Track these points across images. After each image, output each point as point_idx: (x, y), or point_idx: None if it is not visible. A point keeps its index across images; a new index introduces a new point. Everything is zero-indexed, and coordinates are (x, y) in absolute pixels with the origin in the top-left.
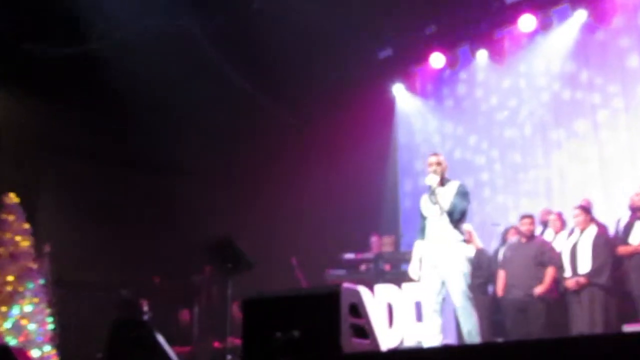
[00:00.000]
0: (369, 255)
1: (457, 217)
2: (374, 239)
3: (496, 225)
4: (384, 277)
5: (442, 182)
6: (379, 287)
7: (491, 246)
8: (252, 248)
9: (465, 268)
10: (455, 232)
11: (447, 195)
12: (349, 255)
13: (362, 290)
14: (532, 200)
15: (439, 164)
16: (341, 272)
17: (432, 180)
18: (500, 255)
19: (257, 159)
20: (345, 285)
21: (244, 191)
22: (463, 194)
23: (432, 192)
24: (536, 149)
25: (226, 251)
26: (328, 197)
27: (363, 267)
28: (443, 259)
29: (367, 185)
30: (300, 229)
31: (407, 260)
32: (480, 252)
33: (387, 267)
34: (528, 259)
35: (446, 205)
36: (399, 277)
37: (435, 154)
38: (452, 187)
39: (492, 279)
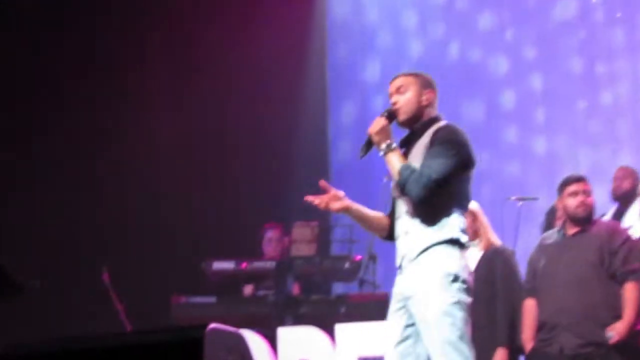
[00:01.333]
0: (262, 264)
1: (429, 195)
2: (271, 234)
3: (527, 200)
4: (294, 311)
5: (411, 127)
6: (284, 333)
7: (518, 245)
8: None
9: (450, 295)
10: (430, 226)
11: (415, 155)
12: (222, 265)
13: (251, 338)
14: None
15: (399, 89)
16: (206, 299)
17: (377, 126)
18: (540, 265)
19: None
20: (215, 327)
21: None
22: (445, 144)
23: (384, 150)
24: None
25: None
26: (177, 148)
27: (248, 289)
28: (409, 282)
29: (259, 123)
30: (122, 213)
31: (344, 275)
32: (494, 256)
33: (296, 290)
34: (585, 268)
35: (405, 175)
36: (327, 311)
37: (403, 75)
38: (426, 137)
39: (517, 310)
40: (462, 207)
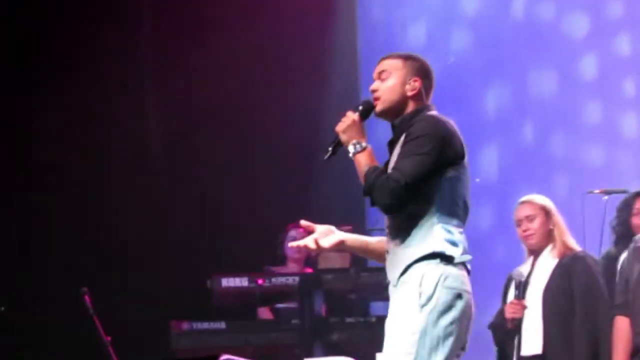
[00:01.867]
0: (283, 280)
1: (397, 204)
2: (295, 234)
3: (614, 193)
4: (324, 338)
5: (392, 122)
6: None
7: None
8: None
9: (416, 323)
10: (409, 242)
11: (394, 157)
12: (233, 282)
13: None
14: None
15: (381, 75)
16: (214, 324)
17: (345, 122)
18: (635, 274)
19: None
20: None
21: None
22: (419, 139)
23: (352, 151)
24: None
25: None
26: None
27: (266, 311)
28: (390, 315)
29: (283, 117)
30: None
31: (385, 292)
32: (572, 263)
33: (326, 311)
34: None
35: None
36: (365, 337)
37: (389, 57)
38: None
39: (602, 331)
40: (452, 213)
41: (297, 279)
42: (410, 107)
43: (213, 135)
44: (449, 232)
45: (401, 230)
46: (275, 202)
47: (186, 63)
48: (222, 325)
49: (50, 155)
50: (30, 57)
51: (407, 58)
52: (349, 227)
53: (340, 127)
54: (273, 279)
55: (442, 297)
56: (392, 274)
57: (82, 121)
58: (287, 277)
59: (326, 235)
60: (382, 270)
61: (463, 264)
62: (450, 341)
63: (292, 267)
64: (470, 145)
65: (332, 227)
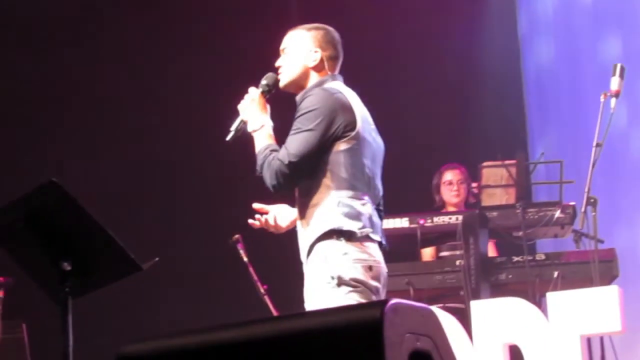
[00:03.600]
0: (446, 219)
1: (284, 182)
2: (450, 176)
3: None
4: (491, 279)
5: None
6: (480, 307)
7: None
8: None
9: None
10: (310, 220)
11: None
12: (394, 224)
13: (443, 317)
14: None
15: (284, 50)
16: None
17: (246, 100)
18: None
19: None
20: (397, 303)
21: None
22: (305, 115)
23: (252, 129)
24: None
25: (59, 228)
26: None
27: (427, 253)
28: (305, 292)
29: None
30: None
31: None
32: None
33: (492, 251)
34: None
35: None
36: (534, 276)
37: (291, 31)
38: None
39: None
40: (351, 186)
41: (460, 217)
42: (313, 79)
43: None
44: (348, 205)
45: (302, 208)
46: (431, 145)
47: None
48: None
49: None
50: None
51: (308, 29)
52: (514, 162)
53: (241, 104)
54: (435, 219)
55: (354, 272)
56: (301, 252)
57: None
58: (449, 216)
59: (282, 214)
60: (550, 206)
61: (368, 236)
62: None
63: (451, 211)
64: None
65: (285, 206)
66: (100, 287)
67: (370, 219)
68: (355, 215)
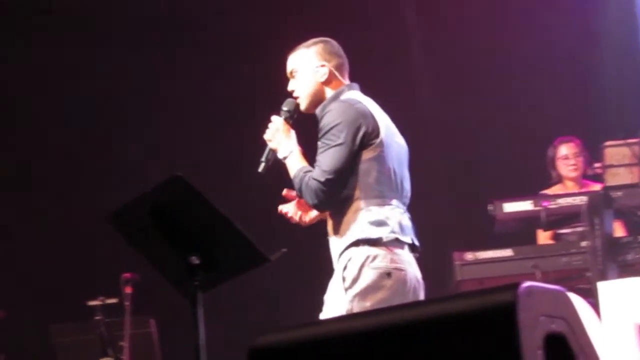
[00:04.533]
0: (570, 200)
1: (325, 199)
2: (566, 150)
3: None
4: (619, 259)
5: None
6: (608, 288)
7: None
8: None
9: (338, 308)
10: (339, 229)
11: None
12: (517, 206)
13: (574, 299)
14: None
15: (292, 74)
16: (500, 252)
17: (271, 129)
18: None
19: None
20: (530, 287)
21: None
22: (329, 133)
23: (283, 157)
24: None
25: (185, 222)
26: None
27: (546, 235)
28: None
29: None
30: None
31: None
32: None
33: (618, 231)
34: None
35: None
36: None
37: (291, 54)
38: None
39: None
40: (378, 193)
41: (584, 198)
42: (329, 92)
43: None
44: (375, 213)
45: (332, 219)
46: (546, 116)
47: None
48: (508, 252)
49: None
50: None
51: (308, 46)
52: (637, 140)
53: (267, 134)
54: (559, 200)
55: (368, 278)
56: (333, 262)
57: None
58: (573, 197)
59: (306, 209)
60: None
61: (397, 239)
62: None
63: (569, 186)
64: None
65: None
66: (228, 280)
67: (399, 223)
68: (383, 222)
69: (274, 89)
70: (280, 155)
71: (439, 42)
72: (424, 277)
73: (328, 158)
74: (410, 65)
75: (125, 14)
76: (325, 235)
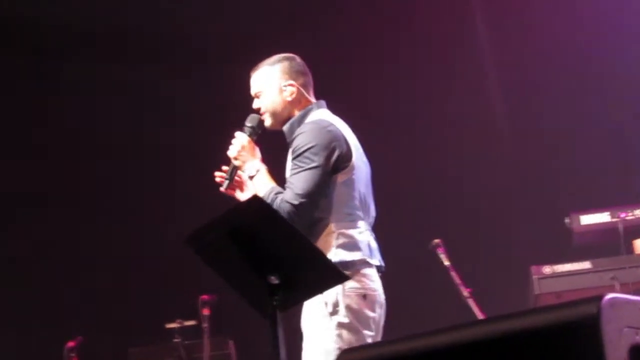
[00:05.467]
0: None
1: (297, 221)
2: None
3: None
4: None
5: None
6: None
7: None
8: None
9: (329, 335)
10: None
11: (288, 166)
12: (594, 218)
13: None
14: None
15: (257, 94)
16: (578, 265)
17: (236, 147)
18: None
19: None
20: (613, 299)
21: None
22: (303, 154)
23: (249, 174)
24: None
25: (264, 242)
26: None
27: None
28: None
29: None
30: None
31: None
32: None
33: None
34: None
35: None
36: None
37: (254, 72)
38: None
39: None
40: (349, 216)
41: None
42: (296, 110)
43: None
44: (347, 236)
45: (310, 231)
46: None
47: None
48: (586, 265)
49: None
50: None
51: (272, 64)
52: None
53: (231, 151)
54: (637, 211)
55: (348, 300)
56: None
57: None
58: None
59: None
60: None
61: (366, 262)
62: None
63: None
64: None
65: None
66: (307, 299)
67: (368, 244)
68: (354, 245)
69: None
70: (246, 174)
71: (511, 54)
72: (502, 291)
73: (302, 181)
74: (486, 79)
75: None
76: None
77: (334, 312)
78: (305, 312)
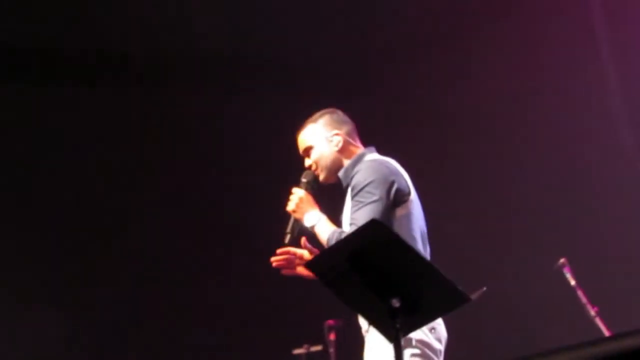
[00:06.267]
0: None
1: None
2: None
3: None
4: None
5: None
6: None
7: None
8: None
9: None
10: None
11: (347, 212)
12: None
13: None
14: None
15: (307, 152)
16: None
17: (294, 201)
18: None
19: None
20: None
21: None
22: (362, 191)
23: (310, 225)
24: None
25: (384, 266)
26: None
27: None
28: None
29: None
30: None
31: None
32: None
33: None
34: None
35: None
36: None
37: (301, 132)
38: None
39: None
40: None
41: None
42: (346, 159)
43: None
44: None
45: None
46: None
47: None
48: None
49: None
50: None
51: (316, 119)
52: None
53: (290, 206)
54: None
55: (417, 334)
56: (363, 320)
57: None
58: None
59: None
60: None
61: None
62: None
63: None
64: None
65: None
66: (429, 321)
67: None
68: None
69: None
70: (308, 224)
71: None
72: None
73: (364, 214)
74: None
75: None
76: None
77: (406, 346)
78: (371, 347)
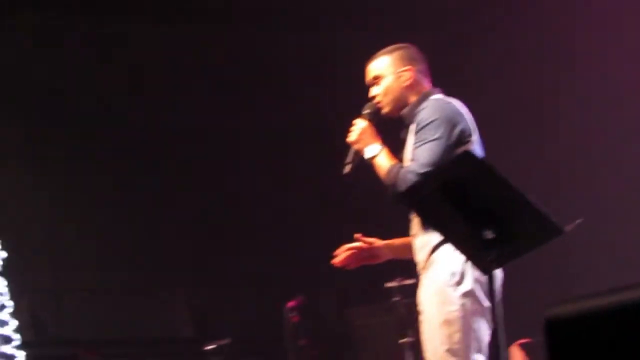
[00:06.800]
0: None
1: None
2: None
3: None
4: None
5: (401, 116)
6: None
7: None
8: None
9: (452, 303)
10: None
11: (409, 147)
12: None
13: None
14: None
15: (375, 80)
16: None
17: (356, 132)
18: None
19: None
20: None
21: None
22: (427, 127)
23: (369, 157)
24: None
25: (477, 197)
26: None
27: None
28: (420, 295)
29: None
30: None
31: None
32: None
33: None
34: None
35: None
36: None
37: (373, 60)
38: (414, 123)
39: None
40: None
41: None
42: (413, 96)
43: None
44: None
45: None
46: None
47: None
48: None
49: None
50: None
51: (390, 52)
52: None
53: (352, 136)
54: None
55: (473, 271)
56: (419, 256)
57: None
58: None
59: (371, 252)
60: None
61: None
62: (473, 310)
63: None
64: None
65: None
66: (523, 254)
67: None
68: None
69: None
70: (368, 155)
71: None
72: None
73: (425, 152)
74: None
75: None
76: None
77: (460, 282)
78: (426, 285)
